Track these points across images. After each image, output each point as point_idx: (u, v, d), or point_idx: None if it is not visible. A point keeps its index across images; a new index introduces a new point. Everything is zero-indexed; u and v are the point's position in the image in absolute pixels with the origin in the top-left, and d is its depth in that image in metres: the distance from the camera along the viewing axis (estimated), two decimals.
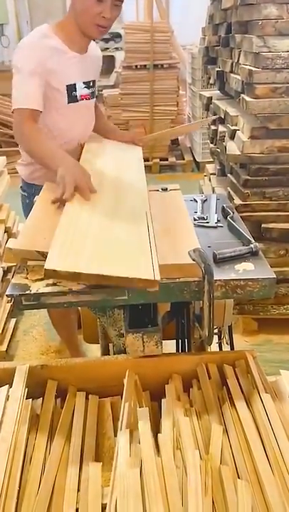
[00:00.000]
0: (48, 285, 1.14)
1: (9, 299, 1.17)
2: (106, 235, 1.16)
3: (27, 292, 1.12)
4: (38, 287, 1.13)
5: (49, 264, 1.00)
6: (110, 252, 1.09)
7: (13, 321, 2.63)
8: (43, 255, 1.17)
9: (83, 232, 1.15)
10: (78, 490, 1.06)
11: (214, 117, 2.70)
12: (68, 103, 1.70)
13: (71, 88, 1.69)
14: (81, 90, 1.74)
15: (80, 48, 1.70)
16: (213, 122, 2.92)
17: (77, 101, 1.73)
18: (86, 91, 1.76)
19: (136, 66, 5.11)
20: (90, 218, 1.22)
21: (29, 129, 1.57)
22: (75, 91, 1.71)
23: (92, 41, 1.80)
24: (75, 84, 1.70)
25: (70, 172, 1.37)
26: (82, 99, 1.75)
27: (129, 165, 1.69)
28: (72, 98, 1.71)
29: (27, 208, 1.82)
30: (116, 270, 1.02)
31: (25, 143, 1.63)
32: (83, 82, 1.73)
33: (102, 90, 5.67)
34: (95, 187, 1.39)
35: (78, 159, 1.64)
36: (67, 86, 1.67)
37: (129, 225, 1.23)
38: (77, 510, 1.01)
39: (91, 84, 1.78)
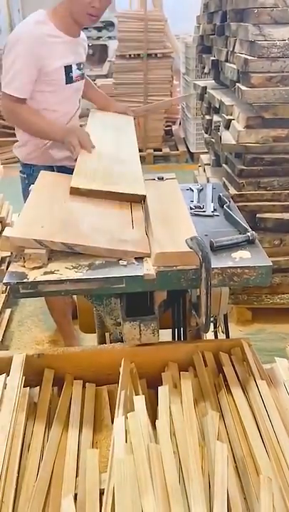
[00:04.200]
0: (45, 273, 1.14)
1: (4, 288, 1.17)
2: (110, 170, 1.54)
3: (24, 280, 1.12)
4: (36, 275, 1.13)
5: (74, 183, 1.42)
6: (113, 179, 1.49)
7: (8, 311, 2.62)
8: (41, 243, 1.17)
9: (94, 166, 1.56)
10: (76, 476, 1.07)
11: (191, 93, 2.83)
12: (66, 83, 1.81)
13: (68, 69, 1.80)
14: (75, 71, 1.85)
15: (73, 32, 1.80)
16: (208, 111, 2.91)
17: (73, 82, 1.84)
18: (78, 72, 1.87)
19: (129, 55, 5.07)
20: (98, 159, 1.62)
21: (22, 109, 1.76)
22: (71, 72, 1.81)
23: None
24: (71, 66, 1.81)
25: (73, 135, 1.64)
26: (77, 80, 1.87)
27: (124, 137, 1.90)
28: (69, 79, 1.83)
29: (26, 189, 1.86)
30: (116, 188, 1.43)
31: (22, 123, 1.81)
32: (76, 64, 1.84)
33: (95, 80, 5.62)
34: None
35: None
36: (65, 67, 1.77)
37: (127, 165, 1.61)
38: (75, 496, 1.02)
39: (81, 65, 1.90)
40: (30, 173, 1.92)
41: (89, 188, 1.40)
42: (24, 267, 1.15)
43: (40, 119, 1.79)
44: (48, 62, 1.72)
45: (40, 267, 1.15)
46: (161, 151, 5.42)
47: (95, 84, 2.47)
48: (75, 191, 1.40)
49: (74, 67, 1.83)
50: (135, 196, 1.42)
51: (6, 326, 2.54)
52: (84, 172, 1.51)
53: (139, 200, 1.43)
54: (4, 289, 2.53)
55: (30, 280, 1.12)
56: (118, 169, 1.56)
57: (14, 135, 1.95)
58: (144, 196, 1.42)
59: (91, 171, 1.52)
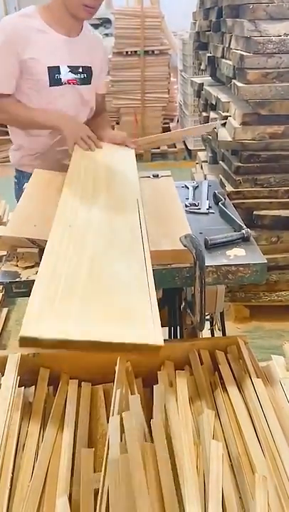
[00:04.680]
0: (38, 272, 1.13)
1: (1, 288, 1.17)
2: (97, 277, 0.91)
3: (17, 279, 1.11)
4: (29, 274, 1.13)
5: (26, 331, 0.69)
6: (103, 306, 0.83)
7: (4, 310, 2.62)
8: (33, 242, 1.16)
9: (71, 272, 0.89)
10: (72, 476, 1.07)
11: (216, 123, 2.33)
12: (50, 86, 1.64)
13: (54, 70, 1.64)
14: (66, 74, 1.67)
15: (67, 30, 1.65)
16: (205, 109, 2.89)
17: (61, 84, 1.67)
18: (72, 75, 1.69)
19: (126, 52, 5.06)
20: (76, 256, 0.97)
21: (4, 102, 1.62)
22: (59, 74, 1.65)
23: (91, 27, 1.77)
24: (58, 67, 1.64)
25: (77, 128, 1.54)
26: (69, 84, 1.69)
27: (121, 165, 1.56)
28: (55, 81, 1.65)
29: (18, 194, 1.81)
30: (113, 335, 0.75)
31: (7, 116, 1.66)
32: (68, 66, 1.67)
33: None
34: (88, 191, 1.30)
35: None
36: (49, 68, 1.62)
37: (124, 259, 0.99)
38: (70, 495, 1.02)
39: (80, 69, 1.71)
40: (20, 179, 1.83)
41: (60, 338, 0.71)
42: (17, 266, 1.15)
43: (22, 107, 1.62)
44: (29, 56, 1.57)
45: (32, 266, 1.14)
46: (158, 148, 5.40)
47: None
48: (31, 342, 0.71)
49: (64, 69, 1.65)
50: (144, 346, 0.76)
51: (4, 325, 2.53)
52: (49, 288, 0.83)
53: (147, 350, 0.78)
54: (1, 288, 2.52)
55: (23, 279, 1.11)
56: (114, 268, 0.94)
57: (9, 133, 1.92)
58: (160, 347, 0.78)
59: (64, 285, 0.85)
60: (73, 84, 1.70)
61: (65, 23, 1.63)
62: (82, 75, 1.72)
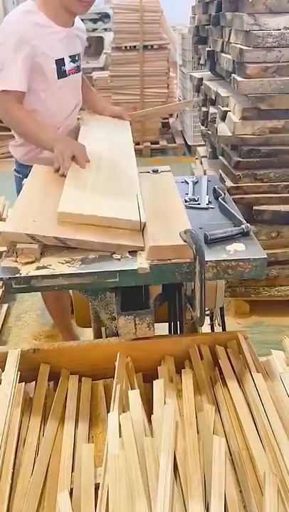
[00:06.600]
0: (38, 268, 1.13)
1: (0, 284, 1.16)
2: (102, 191, 1.37)
3: (17, 275, 1.11)
4: (28, 270, 1.12)
5: (61, 208, 1.24)
6: (105, 202, 1.31)
7: (5, 306, 2.62)
8: (33, 238, 1.16)
9: (84, 187, 1.38)
10: (72, 471, 1.07)
11: (195, 100, 2.71)
12: (58, 78, 1.71)
13: (60, 63, 1.70)
14: (68, 65, 1.75)
15: (65, 22, 1.70)
16: (204, 103, 2.88)
17: (67, 76, 1.74)
18: (72, 65, 1.78)
19: (125, 47, 5.02)
20: (90, 183, 1.42)
21: (18, 111, 1.65)
22: (64, 65, 1.72)
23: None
24: (63, 59, 1.71)
25: (67, 147, 1.53)
26: (70, 74, 1.77)
27: (120, 144, 1.77)
28: (61, 73, 1.72)
29: (19, 189, 1.81)
30: (110, 213, 1.24)
31: (16, 125, 1.71)
32: (69, 56, 1.75)
33: (91, 72, 5.58)
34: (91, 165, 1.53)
35: (76, 138, 1.74)
36: (56, 61, 1.68)
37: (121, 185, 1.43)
38: (71, 490, 1.02)
39: (76, 58, 1.80)
40: (26, 173, 1.76)
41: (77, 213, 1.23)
42: (17, 261, 1.15)
43: (32, 123, 1.66)
44: (39, 52, 1.61)
45: (32, 262, 1.14)
46: (158, 144, 5.39)
47: (89, 76, 2.41)
48: (62, 216, 1.22)
49: (67, 60, 1.72)
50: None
51: (4, 321, 2.54)
52: (73, 195, 1.32)
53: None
54: (0, 284, 2.52)
55: (22, 275, 1.11)
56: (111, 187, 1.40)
57: (10, 129, 1.92)
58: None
59: (80, 193, 1.34)
60: (72, 73, 1.78)
61: (62, 15, 1.67)
62: (77, 62, 1.81)
